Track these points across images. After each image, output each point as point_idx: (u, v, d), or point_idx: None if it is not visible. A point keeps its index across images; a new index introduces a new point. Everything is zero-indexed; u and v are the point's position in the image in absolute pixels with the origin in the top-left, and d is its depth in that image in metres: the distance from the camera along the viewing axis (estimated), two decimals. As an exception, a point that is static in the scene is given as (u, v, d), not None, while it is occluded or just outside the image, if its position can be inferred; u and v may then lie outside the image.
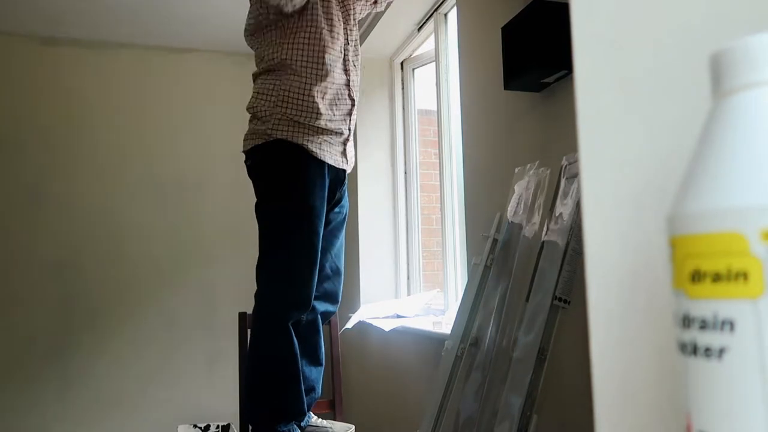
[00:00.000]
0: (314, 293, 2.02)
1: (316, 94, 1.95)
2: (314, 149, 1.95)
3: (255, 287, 2.09)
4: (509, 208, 1.80)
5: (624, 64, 0.46)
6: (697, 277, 0.29)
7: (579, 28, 0.47)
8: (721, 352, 0.28)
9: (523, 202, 1.74)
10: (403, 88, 3.41)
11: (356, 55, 2.13)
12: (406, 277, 3.29)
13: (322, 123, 1.96)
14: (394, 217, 3.36)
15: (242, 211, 3.70)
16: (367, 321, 2.82)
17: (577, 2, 0.47)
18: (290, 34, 1.98)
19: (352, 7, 2.11)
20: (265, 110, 1.97)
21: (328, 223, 2.11)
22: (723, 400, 0.28)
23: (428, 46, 3.13)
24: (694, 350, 0.29)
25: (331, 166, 2.03)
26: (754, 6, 0.42)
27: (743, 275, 0.27)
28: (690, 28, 0.44)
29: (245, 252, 3.71)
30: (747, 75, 0.30)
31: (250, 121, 2.03)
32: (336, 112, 2.01)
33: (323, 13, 1.99)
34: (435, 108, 2.81)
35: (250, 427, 2.03)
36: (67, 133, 3.58)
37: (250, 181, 2.08)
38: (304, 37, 1.96)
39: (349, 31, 2.09)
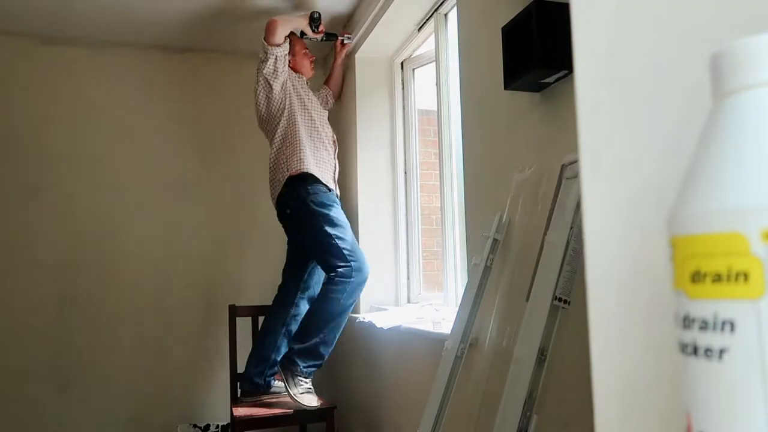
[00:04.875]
0: None
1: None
2: None
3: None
4: (509, 208, 1.80)
5: (624, 64, 0.46)
6: (697, 277, 0.29)
7: (579, 28, 0.47)
8: (722, 352, 0.28)
9: (522, 202, 1.74)
10: (403, 88, 3.41)
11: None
12: (406, 277, 3.29)
13: None
14: (394, 217, 3.36)
15: (242, 211, 3.71)
16: (367, 321, 2.82)
17: (577, 2, 0.47)
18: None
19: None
20: None
21: None
22: (723, 401, 0.28)
23: (428, 46, 3.13)
24: (695, 351, 0.29)
25: None
26: (754, 6, 0.42)
27: (744, 275, 0.27)
28: (690, 28, 0.44)
29: (245, 252, 3.72)
30: (747, 75, 0.30)
31: None
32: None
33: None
34: (435, 108, 2.81)
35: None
36: (67, 133, 3.58)
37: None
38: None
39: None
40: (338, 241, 2.77)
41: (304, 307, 3.00)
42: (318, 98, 3.23)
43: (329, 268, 2.79)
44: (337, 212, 2.87)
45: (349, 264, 2.75)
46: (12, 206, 3.46)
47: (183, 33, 3.57)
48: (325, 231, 2.77)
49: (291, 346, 2.76)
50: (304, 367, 2.70)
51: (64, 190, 3.55)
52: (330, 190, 2.93)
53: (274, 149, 2.94)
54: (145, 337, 3.58)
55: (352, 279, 2.74)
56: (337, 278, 2.74)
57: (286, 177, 2.85)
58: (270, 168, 2.97)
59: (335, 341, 2.78)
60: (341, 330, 2.79)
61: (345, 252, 2.77)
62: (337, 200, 2.95)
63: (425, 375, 2.30)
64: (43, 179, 3.52)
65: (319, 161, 2.92)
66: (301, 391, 2.67)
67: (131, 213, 3.63)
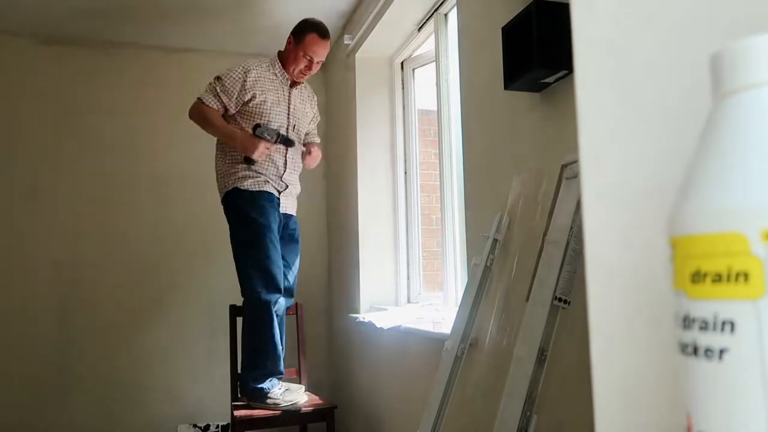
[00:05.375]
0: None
1: None
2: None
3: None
4: (509, 208, 1.80)
5: (624, 64, 0.46)
6: (697, 277, 0.29)
7: (579, 28, 0.47)
8: (722, 352, 0.28)
9: (522, 202, 1.74)
10: (403, 88, 3.41)
11: None
12: (406, 277, 3.29)
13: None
14: (394, 217, 3.36)
15: (242, 211, 3.70)
16: (367, 321, 2.82)
17: (577, 2, 0.47)
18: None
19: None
20: None
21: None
22: (723, 401, 0.28)
23: (428, 46, 3.13)
24: (695, 351, 0.29)
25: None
26: (754, 6, 0.42)
27: (744, 276, 0.27)
28: (690, 28, 0.44)
29: (245, 252, 3.71)
30: (747, 75, 0.30)
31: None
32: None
33: None
34: (435, 108, 2.81)
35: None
36: (67, 133, 3.58)
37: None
38: None
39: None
40: None
41: (281, 302, 2.85)
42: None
43: None
44: None
45: None
46: (12, 205, 3.46)
47: (182, 34, 3.57)
48: None
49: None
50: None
51: (65, 189, 3.55)
52: None
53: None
54: (144, 336, 3.58)
55: None
56: None
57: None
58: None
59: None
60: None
61: None
62: None
63: (425, 375, 2.30)
64: (43, 178, 3.52)
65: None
66: (281, 402, 2.63)
67: (131, 212, 3.63)
